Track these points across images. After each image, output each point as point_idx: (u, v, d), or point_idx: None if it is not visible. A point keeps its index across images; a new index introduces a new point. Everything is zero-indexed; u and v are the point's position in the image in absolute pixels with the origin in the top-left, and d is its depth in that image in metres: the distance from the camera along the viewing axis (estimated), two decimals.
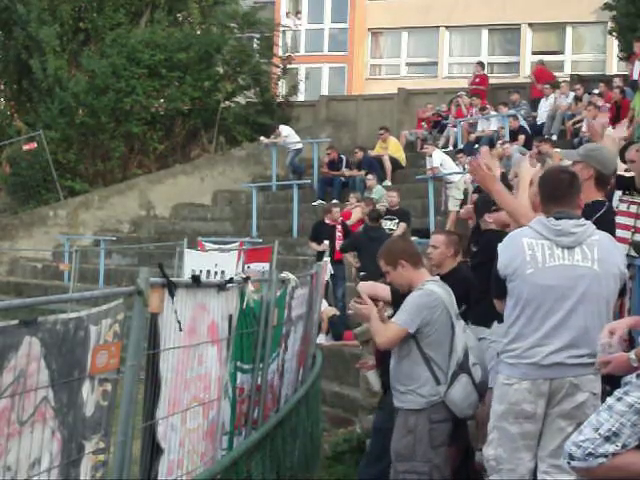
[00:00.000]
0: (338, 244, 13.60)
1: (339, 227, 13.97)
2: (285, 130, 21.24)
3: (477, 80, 21.27)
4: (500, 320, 6.23)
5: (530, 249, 4.59)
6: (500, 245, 4.72)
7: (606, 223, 5.21)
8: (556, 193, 4.75)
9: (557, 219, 4.65)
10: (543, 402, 4.58)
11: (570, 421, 4.56)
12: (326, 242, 13.64)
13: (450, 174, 15.87)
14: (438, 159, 16.58)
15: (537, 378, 4.57)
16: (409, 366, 5.45)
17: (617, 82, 16.51)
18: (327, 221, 14.08)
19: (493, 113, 18.85)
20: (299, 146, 21.16)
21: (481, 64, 22.39)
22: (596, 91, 17.46)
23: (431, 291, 5.46)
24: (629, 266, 5.71)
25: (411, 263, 5.56)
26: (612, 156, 6.02)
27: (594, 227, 4.76)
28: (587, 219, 4.82)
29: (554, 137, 16.93)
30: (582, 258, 4.64)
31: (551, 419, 4.59)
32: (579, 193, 4.85)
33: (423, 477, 5.38)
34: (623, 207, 5.91)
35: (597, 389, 4.64)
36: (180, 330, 4.33)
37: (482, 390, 5.56)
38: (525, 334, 4.58)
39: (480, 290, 6.00)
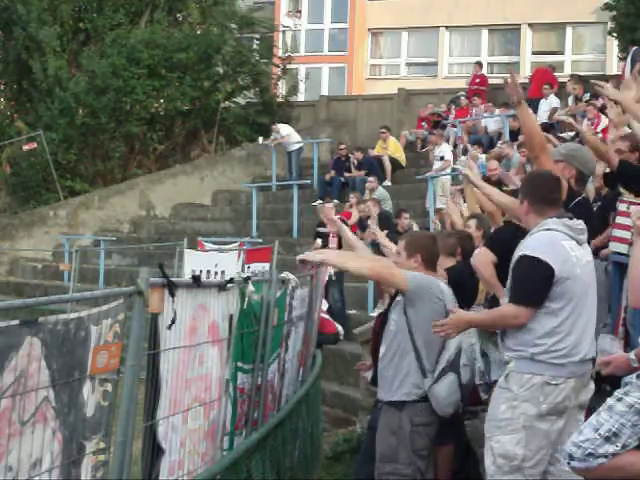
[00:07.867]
0: (332, 241, 13.52)
1: None
2: (285, 129, 21.11)
3: (477, 81, 21.26)
4: None
5: (572, 251, 4.67)
6: (542, 252, 4.62)
7: (583, 210, 5.38)
8: (553, 196, 4.83)
9: (570, 219, 4.75)
10: (574, 397, 4.64)
11: (582, 411, 4.68)
12: (318, 241, 13.63)
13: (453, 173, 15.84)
14: (448, 152, 16.75)
15: (578, 374, 4.63)
16: (398, 356, 5.48)
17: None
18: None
19: (493, 113, 18.84)
20: (300, 145, 21.05)
21: (480, 64, 22.38)
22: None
23: (434, 279, 5.55)
24: (620, 265, 5.75)
25: (425, 263, 5.61)
26: (592, 156, 6.10)
27: None
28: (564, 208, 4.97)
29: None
30: (587, 253, 4.82)
31: (573, 413, 4.65)
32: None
33: (406, 479, 5.39)
34: (623, 207, 5.92)
35: None
36: (171, 325, 4.28)
37: (466, 392, 5.59)
38: (570, 332, 4.63)
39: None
